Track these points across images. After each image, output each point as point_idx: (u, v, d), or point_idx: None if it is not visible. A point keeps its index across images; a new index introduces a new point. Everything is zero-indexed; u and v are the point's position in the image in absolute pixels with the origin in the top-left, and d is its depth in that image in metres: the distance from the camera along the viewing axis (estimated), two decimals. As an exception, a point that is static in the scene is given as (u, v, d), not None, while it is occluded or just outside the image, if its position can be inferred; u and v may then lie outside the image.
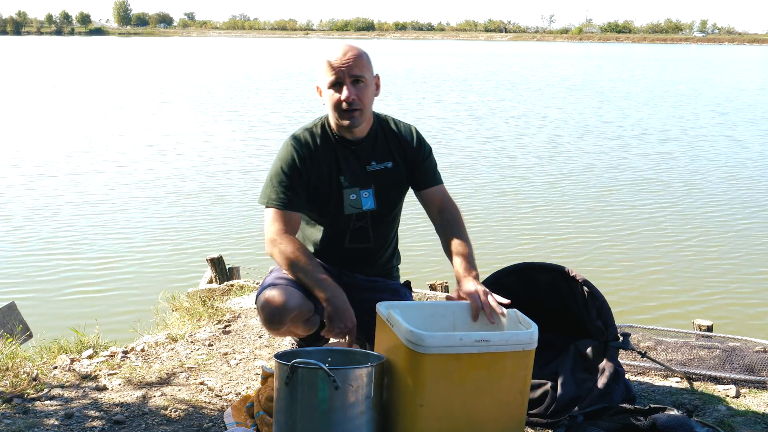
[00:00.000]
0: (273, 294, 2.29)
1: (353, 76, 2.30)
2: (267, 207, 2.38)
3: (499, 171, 10.43)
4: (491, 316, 2.14)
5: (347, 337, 2.29)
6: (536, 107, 18.88)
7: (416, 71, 35.14)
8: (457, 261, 2.31)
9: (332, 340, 2.82)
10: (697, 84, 28.36)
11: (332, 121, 2.42)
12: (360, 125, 2.38)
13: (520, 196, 8.92)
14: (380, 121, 2.50)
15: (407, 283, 2.69)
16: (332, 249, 2.51)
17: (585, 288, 2.41)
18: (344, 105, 2.31)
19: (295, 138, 2.43)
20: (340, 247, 2.50)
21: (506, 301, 2.15)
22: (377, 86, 2.43)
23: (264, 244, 2.39)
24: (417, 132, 2.52)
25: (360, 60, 2.33)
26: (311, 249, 2.53)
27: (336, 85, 2.32)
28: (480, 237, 6.96)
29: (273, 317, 2.28)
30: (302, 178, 2.38)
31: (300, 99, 20.49)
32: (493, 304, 2.14)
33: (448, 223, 2.44)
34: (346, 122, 2.35)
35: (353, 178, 2.43)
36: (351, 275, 2.54)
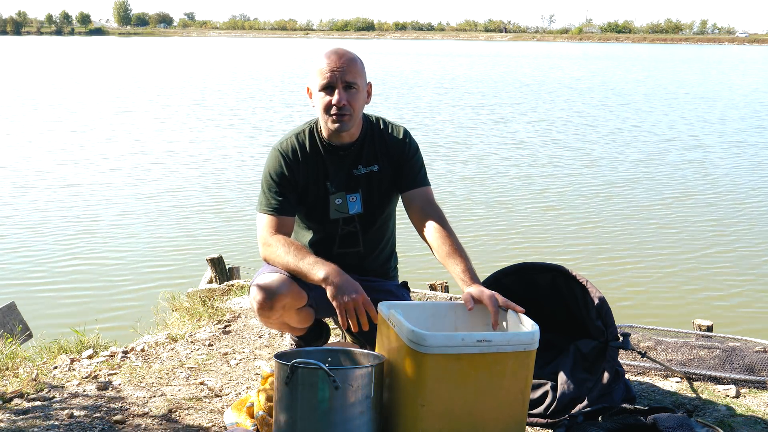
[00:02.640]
0: (264, 281, 2.30)
1: (346, 82, 2.28)
2: (259, 213, 2.40)
3: (500, 171, 10.43)
4: (497, 315, 2.07)
5: (368, 310, 2.12)
6: (555, 110, 18.43)
7: (425, 73, 34.60)
8: (459, 268, 2.22)
9: (333, 339, 2.82)
10: (713, 85, 27.90)
11: (322, 126, 2.40)
12: (349, 129, 2.36)
13: (519, 195, 8.93)
14: (370, 124, 2.47)
15: (405, 284, 2.69)
16: (321, 253, 2.47)
17: (585, 288, 2.41)
18: (334, 109, 2.29)
19: (282, 144, 2.43)
20: (329, 251, 2.49)
21: (520, 309, 2.06)
22: (369, 94, 2.41)
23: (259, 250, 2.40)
24: (405, 132, 2.49)
25: (354, 66, 2.31)
26: None
27: (327, 89, 2.30)
28: (479, 238, 6.96)
29: (264, 302, 2.27)
30: (290, 183, 2.39)
31: (304, 102, 20.44)
32: (512, 304, 2.08)
33: (433, 228, 2.32)
34: (335, 126, 2.33)
35: (340, 183, 2.42)
36: None
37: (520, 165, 10.87)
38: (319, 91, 2.31)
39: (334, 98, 2.28)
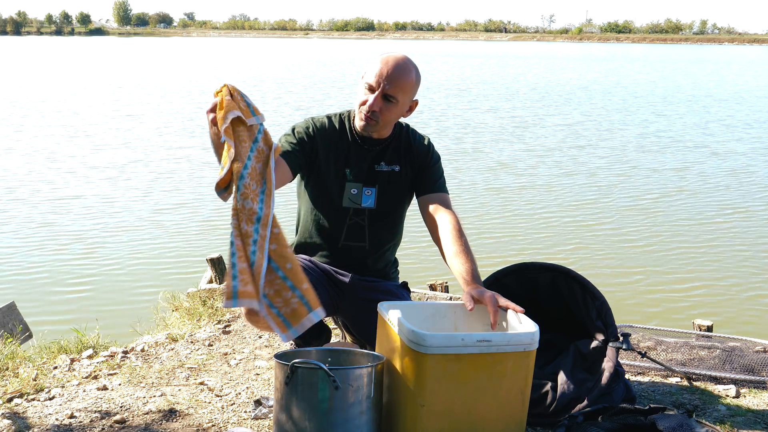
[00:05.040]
0: None
1: (386, 93, 2.35)
2: None
3: (503, 169, 10.43)
4: (497, 316, 2.09)
5: None
6: (574, 114, 17.95)
7: (433, 74, 33.66)
8: (463, 268, 2.23)
9: (333, 339, 2.83)
10: (729, 87, 27.49)
11: (355, 117, 2.47)
12: (370, 133, 2.44)
13: (518, 194, 8.92)
14: (400, 128, 2.56)
15: (404, 284, 2.70)
16: (327, 244, 2.53)
17: (585, 288, 2.41)
18: (365, 109, 2.37)
19: (315, 118, 2.52)
20: (335, 243, 2.52)
21: (520, 309, 2.07)
22: (411, 109, 2.47)
23: None
24: (429, 141, 2.59)
25: (403, 81, 2.36)
26: (306, 241, 2.56)
27: (370, 89, 2.37)
28: (479, 239, 6.96)
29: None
30: (308, 146, 2.43)
31: (307, 104, 20.41)
32: (512, 304, 2.09)
33: (445, 230, 2.36)
34: (360, 123, 2.41)
35: (359, 174, 2.48)
36: (345, 274, 2.54)
37: (541, 172, 10.63)
38: (365, 86, 2.39)
39: (369, 100, 2.36)
